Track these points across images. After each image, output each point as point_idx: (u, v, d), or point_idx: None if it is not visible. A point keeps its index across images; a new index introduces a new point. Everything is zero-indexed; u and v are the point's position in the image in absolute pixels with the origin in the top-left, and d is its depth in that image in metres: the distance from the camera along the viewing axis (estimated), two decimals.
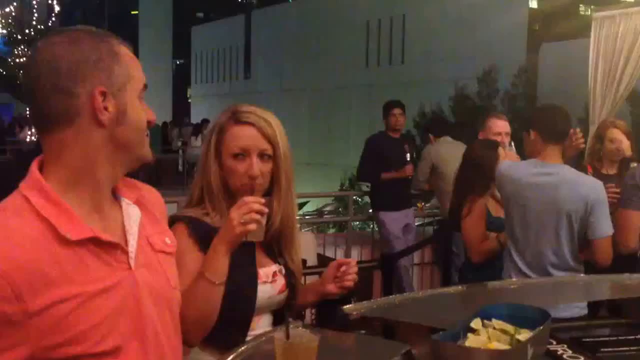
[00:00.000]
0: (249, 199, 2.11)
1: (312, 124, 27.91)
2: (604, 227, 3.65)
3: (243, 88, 34.10)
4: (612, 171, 4.94)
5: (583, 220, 3.64)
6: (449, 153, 6.72)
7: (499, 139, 4.99)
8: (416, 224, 7.89)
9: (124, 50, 1.60)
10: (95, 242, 1.52)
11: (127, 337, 1.56)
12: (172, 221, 2.18)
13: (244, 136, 2.25)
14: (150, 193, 1.81)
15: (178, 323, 1.76)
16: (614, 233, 3.68)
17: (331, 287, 2.44)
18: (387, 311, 2.51)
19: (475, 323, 2.01)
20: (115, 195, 1.66)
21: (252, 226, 2.08)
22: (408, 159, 7.16)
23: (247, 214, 2.07)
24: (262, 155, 2.25)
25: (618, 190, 4.21)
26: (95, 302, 1.50)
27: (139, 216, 1.68)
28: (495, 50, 20.08)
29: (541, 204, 3.73)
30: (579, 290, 3.24)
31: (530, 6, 24.37)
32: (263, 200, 2.13)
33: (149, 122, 1.65)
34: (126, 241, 1.61)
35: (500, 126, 5.21)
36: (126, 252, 1.59)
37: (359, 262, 3.14)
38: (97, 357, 1.50)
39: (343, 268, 2.42)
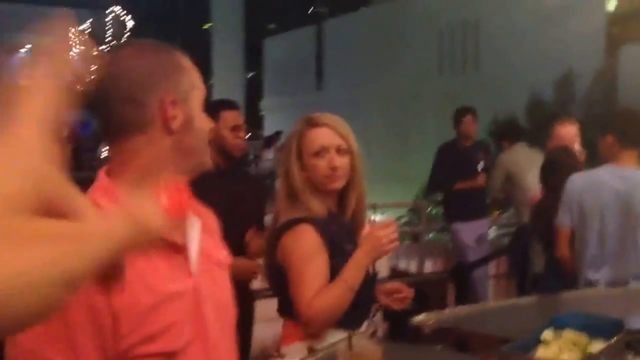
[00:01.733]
0: (390, 221, 2.58)
1: (386, 135, 27.88)
2: None
3: (315, 99, 34.22)
4: None
5: None
6: (524, 160, 6.65)
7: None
8: (492, 234, 7.81)
9: (187, 62, 1.71)
10: (162, 243, 1.58)
11: (191, 340, 1.61)
12: (291, 224, 2.53)
13: (321, 136, 2.62)
14: (206, 210, 1.88)
15: (234, 336, 1.81)
16: None
17: (388, 302, 2.77)
18: (459, 322, 2.53)
19: (547, 333, 2.00)
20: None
21: (396, 244, 2.54)
22: (481, 167, 7.08)
23: (392, 234, 2.52)
24: (339, 150, 2.61)
25: None
26: (165, 304, 1.55)
27: (199, 225, 1.74)
28: (572, 55, 19.68)
29: (619, 211, 3.67)
30: None
31: (608, 9, 23.92)
32: (396, 224, 2.58)
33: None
34: (186, 248, 1.67)
35: (564, 133, 5.15)
36: (187, 258, 1.65)
37: (431, 274, 3.27)
38: (166, 357, 1.56)
39: (398, 295, 2.76)
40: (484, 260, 6.73)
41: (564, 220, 3.97)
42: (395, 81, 28.86)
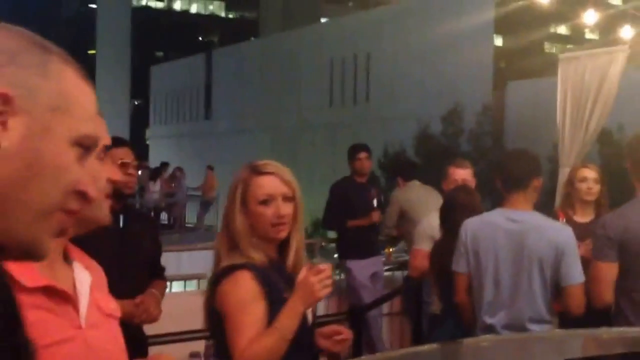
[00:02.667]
0: (324, 266, 2.52)
1: None
2: (575, 273, 3.63)
3: (203, 128, 34.05)
4: (586, 218, 4.90)
5: (554, 267, 3.62)
6: (418, 198, 6.72)
7: None
8: (384, 271, 7.85)
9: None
10: (48, 293, 1.52)
11: None
12: (230, 270, 2.52)
13: (267, 184, 2.63)
14: (93, 262, 1.82)
15: None
16: (587, 287, 3.65)
17: (328, 345, 2.72)
18: None
19: None
20: (67, 259, 1.67)
21: (329, 289, 2.52)
22: (375, 204, 7.13)
23: (326, 279, 2.50)
24: (284, 198, 2.62)
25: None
26: (43, 355, 1.47)
27: (89, 279, 1.69)
28: (460, 89, 20.33)
29: (513, 253, 3.72)
30: (553, 346, 3.22)
31: (496, 44, 24.81)
32: (331, 267, 2.57)
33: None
34: (77, 301, 1.62)
35: (460, 174, 5.22)
36: (77, 310, 1.60)
37: (325, 316, 3.24)
38: None
39: (338, 337, 2.70)
40: (380, 301, 6.74)
41: (460, 266, 3.99)
42: (285, 112, 29.05)
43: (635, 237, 3.58)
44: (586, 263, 3.76)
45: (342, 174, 7.66)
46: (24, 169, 0.99)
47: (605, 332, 3.02)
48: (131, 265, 3.57)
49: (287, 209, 2.62)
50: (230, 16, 59.75)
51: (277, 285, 2.57)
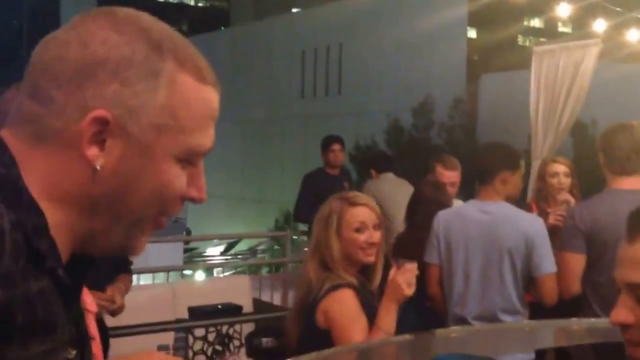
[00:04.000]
0: (410, 266, 2.91)
1: (245, 157, 27.89)
2: (547, 264, 3.69)
3: None
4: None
5: (525, 257, 3.68)
6: (391, 190, 6.75)
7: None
8: None
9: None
10: None
11: None
12: (334, 288, 2.89)
13: (361, 214, 3.05)
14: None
15: None
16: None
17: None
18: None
19: None
20: None
21: (414, 287, 2.88)
22: None
23: (412, 278, 2.87)
24: (374, 227, 3.04)
25: (563, 214, 4.26)
26: None
27: None
28: (433, 81, 20.43)
29: (484, 245, 3.77)
30: (524, 337, 3.28)
31: (469, 36, 24.95)
32: (416, 266, 2.93)
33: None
34: None
35: (446, 177, 5.24)
36: None
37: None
38: None
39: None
40: None
41: (432, 257, 4.03)
42: (255, 104, 28.97)
43: (604, 229, 3.62)
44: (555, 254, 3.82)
45: (314, 167, 7.68)
46: (122, 187, 0.98)
47: (575, 323, 3.08)
48: (98, 259, 3.59)
49: (377, 236, 3.05)
50: (200, 5, 59.45)
51: (369, 302, 2.95)
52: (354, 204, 3.09)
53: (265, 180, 26.11)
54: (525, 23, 35.65)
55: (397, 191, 6.75)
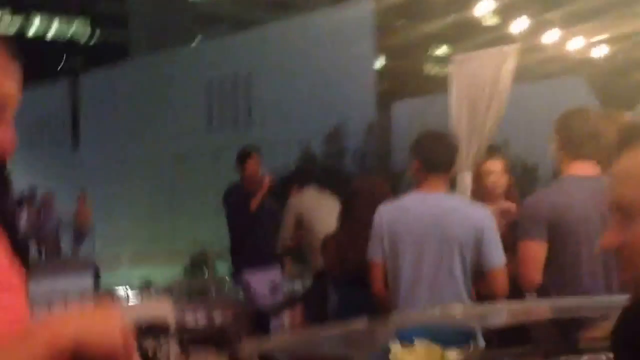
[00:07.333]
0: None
1: (152, 196, 27.39)
2: (496, 256, 3.72)
3: (70, 161, 33.01)
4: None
5: (474, 249, 3.70)
6: (315, 203, 6.72)
7: None
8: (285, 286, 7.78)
9: None
10: None
11: None
12: None
13: None
14: None
15: None
16: (516, 268, 3.72)
17: None
18: (290, 348, 2.46)
19: (395, 347, 1.98)
20: None
21: None
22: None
23: None
24: None
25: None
26: None
27: None
28: (343, 110, 20.63)
29: (431, 239, 3.77)
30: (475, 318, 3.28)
31: (377, 67, 25.33)
32: None
33: None
34: None
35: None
36: None
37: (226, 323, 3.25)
38: None
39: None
40: (281, 306, 6.70)
41: (375, 254, 3.97)
42: (161, 139, 28.46)
43: (563, 215, 3.63)
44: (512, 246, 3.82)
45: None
46: None
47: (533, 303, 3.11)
48: None
49: None
50: (95, 39, 58.31)
51: None
52: None
53: (175, 216, 25.63)
54: (435, 51, 36.50)
55: (321, 204, 6.71)
